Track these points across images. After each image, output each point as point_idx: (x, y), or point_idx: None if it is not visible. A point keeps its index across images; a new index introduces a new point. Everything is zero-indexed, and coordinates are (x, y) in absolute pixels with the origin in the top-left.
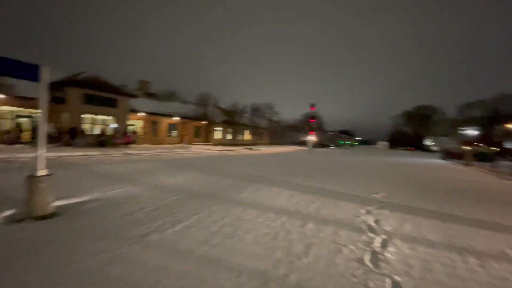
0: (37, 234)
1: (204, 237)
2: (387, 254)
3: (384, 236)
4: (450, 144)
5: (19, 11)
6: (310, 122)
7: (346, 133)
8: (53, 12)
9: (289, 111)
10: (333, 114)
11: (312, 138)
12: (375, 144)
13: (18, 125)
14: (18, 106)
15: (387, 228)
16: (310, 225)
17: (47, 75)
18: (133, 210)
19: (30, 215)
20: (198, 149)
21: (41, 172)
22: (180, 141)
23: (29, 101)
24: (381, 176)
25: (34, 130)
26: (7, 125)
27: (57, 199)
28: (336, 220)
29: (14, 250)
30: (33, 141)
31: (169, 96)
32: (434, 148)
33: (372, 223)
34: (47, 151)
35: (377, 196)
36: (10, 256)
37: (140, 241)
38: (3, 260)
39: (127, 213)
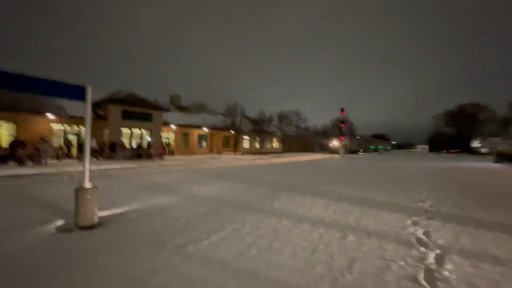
0: (84, 243)
1: (240, 249)
2: (445, 272)
3: (438, 251)
4: (503, 145)
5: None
6: (340, 128)
7: (380, 137)
8: (93, 35)
9: (319, 117)
10: (367, 118)
11: (340, 144)
12: (413, 148)
13: (67, 142)
14: (67, 124)
15: (440, 241)
16: (351, 237)
17: (91, 95)
18: (170, 220)
19: (78, 225)
20: (228, 159)
21: (87, 185)
22: (210, 152)
23: (76, 119)
24: (425, 183)
25: (80, 146)
26: (58, 142)
27: (101, 209)
28: (380, 232)
29: (65, 259)
30: (79, 156)
31: (199, 108)
32: (483, 150)
33: (422, 236)
34: (92, 164)
35: (424, 205)
36: (61, 264)
37: (178, 251)
38: (55, 269)
39: (165, 224)
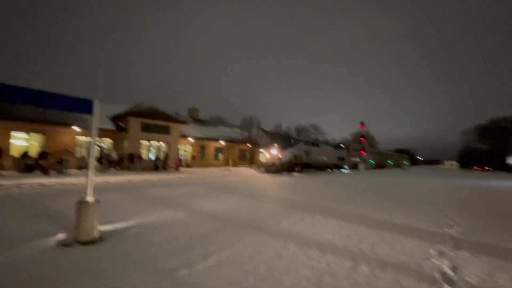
0: (79, 260)
1: (236, 277)
2: None
3: None
4: None
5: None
6: (361, 141)
7: (404, 152)
8: (116, 49)
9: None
10: (392, 132)
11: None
12: (440, 164)
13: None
14: (90, 136)
15: (471, 279)
16: (363, 268)
17: (98, 109)
18: (169, 238)
19: (78, 239)
20: (243, 172)
21: (89, 198)
22: (226, 164)
23: (98, 132)
24: (453, 204)
25: (101, 157)
26: (82, 152)
27: (105, 223)
28: (398, 263)
29: (55, 277)
30: (100, 167)
31: (217, 121)
32: None
33: (448, 270)
34: (111, 175)
35: (451, 231)
36: (49, 283)
37: (168, 276)
38: (48, 285)
39: (163, 241)
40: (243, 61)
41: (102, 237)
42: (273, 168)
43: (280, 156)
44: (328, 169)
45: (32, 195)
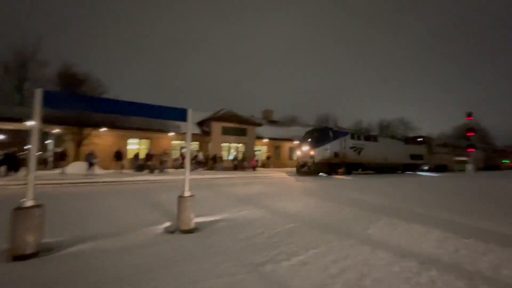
0: (180, 246)
1: (322, 280)
2: None
3: None
4: None
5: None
6: (468, 137)
7: None
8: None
9: (434, 125)
10: (506, 124)
11: (469, 157)
12: None
13: (182, 154)
14: (182, 140)
15: None
16: None
17: (191, 116)
18: (254, 234)
19: (179, 228)
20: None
21: (186, 193)
22: None
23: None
24: None
25: (193, 158)
26: (175, 154)
27: (198, 216)
28: None
29: (164, 257)
30: (190, 166)
31: (290, 122)
32: None
33: None
34: (198, 174)
35: None
36: (159, 262)
37: (256, 269)
38: (154, 267)
39: (248, 237)
40: (320, 58)
41: (197, 228)
42: (304, 169)
43: (312, 154)
44: (397, 171)
45: (143, 189)
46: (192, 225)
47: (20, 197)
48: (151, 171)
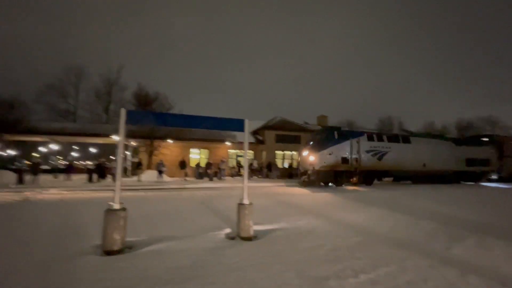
0: (241, 253)
1: None
2: None
3: None
4: None
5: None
6: None
7: None
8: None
9: None
10: None
11: None
12: None
13: (238, 162)
14: (237, 149)
15: None
16: None
17: (248, 126)
18: (314, 245)
19: (239, 235)
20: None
21: (245, 201)
22: None
23: (243, 145)
24: None
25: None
26: (232, 163)
27: (256, 224)
28: None
29: (229, 263)
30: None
31: (347, 126)
32: None
33: None
34: (253, 182)
35: None
36: (221, 269)
37: (319, 283)
38: (216, 271)
39: (308, 248)
40: (382, 56)
41: (256, 236)
42: (304, 179)
43: (312, 160)
44: (445, 181)
45: (204, 195)
46: (251, 232)
47: (108, 200)
48: (210, 178)
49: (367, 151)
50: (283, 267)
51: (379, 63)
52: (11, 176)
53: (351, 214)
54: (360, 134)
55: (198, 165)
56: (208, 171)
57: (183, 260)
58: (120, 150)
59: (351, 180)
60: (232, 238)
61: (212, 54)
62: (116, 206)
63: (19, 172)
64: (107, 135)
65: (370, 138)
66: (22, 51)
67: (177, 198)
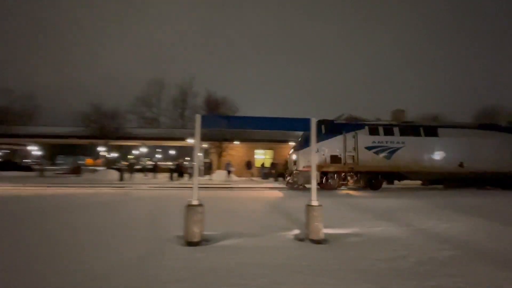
0: (310, 255)
1: None
2: None
3: None
4: None
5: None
6: None
7: None
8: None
9: None
10: None
11: None
12: None
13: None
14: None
15: None
16: None
17: (314, 125)
18: (396, 256)
19: (308, 237)
20: None
21: (314, 202)
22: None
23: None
24: None
25: None
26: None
27: (326, 227)
28: None
29: (290, 265)
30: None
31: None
32: None
33: None
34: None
35: None
36: (290, 270)
37: None
38: (285, 272)
39: (389, 258)
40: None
41: (327, 239)
42: (288, 180)
43: (295, 159)
44: (493, 185)
45: (271, 195)
46: (321, 235)
47: (184, 196)
48: (276, 179)
49: (369, 148)
50: (360, 277)
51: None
52: (115, 174)
53: (435, 221)
54: (359, 126)
55: (263, 165)
56: (273, 171)
57: (253, 257)
58: (196, 152)
59: (347, 182)
60: (301, 240)
61: (280, 53)
62: (195, 202)
63: (120, 171)
64: (183, 139)
65: (372, 131)
66: (113, 70)
67: (246, 197)
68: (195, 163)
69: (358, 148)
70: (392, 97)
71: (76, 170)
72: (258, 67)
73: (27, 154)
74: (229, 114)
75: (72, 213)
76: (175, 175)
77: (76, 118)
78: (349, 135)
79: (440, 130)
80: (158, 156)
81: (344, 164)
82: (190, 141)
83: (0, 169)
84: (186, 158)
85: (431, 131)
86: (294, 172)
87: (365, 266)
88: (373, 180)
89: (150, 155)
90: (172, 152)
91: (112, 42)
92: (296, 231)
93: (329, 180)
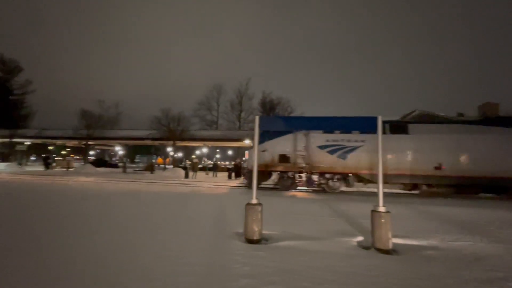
0: (379, 267)
1: None
2: None
3: None
4: None
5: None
6: None
7: None
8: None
9: None
10: None
11: None
12: None
13: None
14: None
15: None
16: None
17: (381, 124)
18: (489, 277)
19: (374, 245)
20: None
21: (381, 208)
22: None
23: None
24: None
25: None
26: None
27: (395, 236)
28: None
29: (356, 275)
30: None
31: None
32: None
33: None
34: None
35: None
36: (355, 281)
37: None
38: (349, 282)
39: (479, 279)
40: None
41: (396, 250)
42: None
43: (247, 158)
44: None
45: (331, 198)
46: (390, 245)
47: (240, 193)
48: None
49: (322, 147)
50: None
51: None
52: (181, 172)
53: None
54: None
55: None
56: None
57: (315, 261)
58: (255, 152)
59: (298, 183)
60: (367, 248)
61: (348, 51)
62: (254, 201)
63: (185, 169)
64: (240, 140)
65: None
66: (180, 77)
67: (302, 198)
68: (254, 163)
69: (309, 147)
70: (480, 91)
71: (150, 168)
72: (322, 68)
73: (114, 154)
74: (284, 115)
75: (149, 207)
76: (232, 174)
77: (151, 122)
78: (300, 134)
79: (411, 127)
80: (218, 156)
81: (294, 164)
82: (247, 142)
83: (95, 166)
84: (243, 158)
85: (399, 128)
86: (246, 171)
87: (449, 285)
88: (329, 181)
89: (210, 155)
90: (230, 152)
91: (178, 53)
92: (360, 238)
93: (281, 180)
